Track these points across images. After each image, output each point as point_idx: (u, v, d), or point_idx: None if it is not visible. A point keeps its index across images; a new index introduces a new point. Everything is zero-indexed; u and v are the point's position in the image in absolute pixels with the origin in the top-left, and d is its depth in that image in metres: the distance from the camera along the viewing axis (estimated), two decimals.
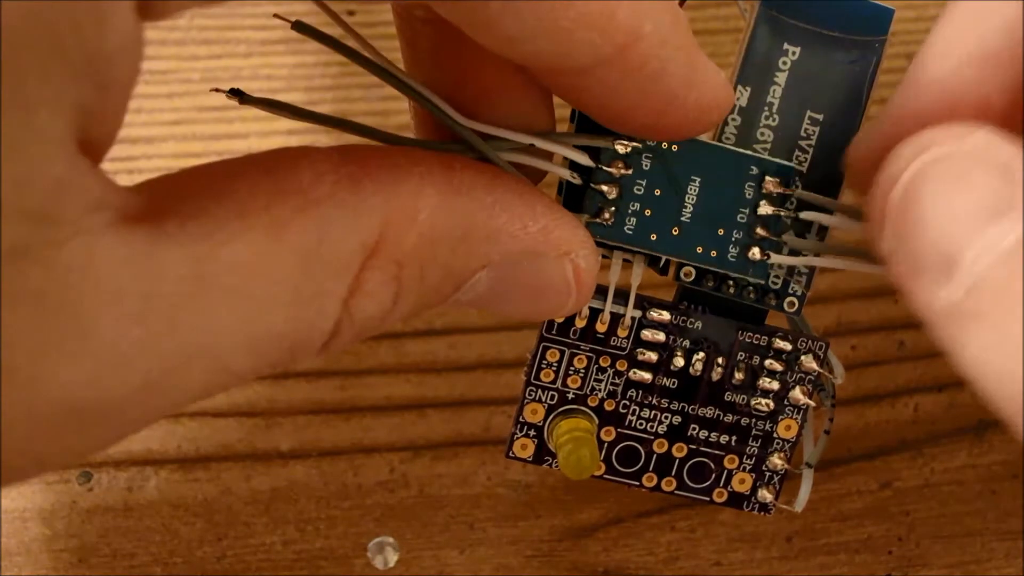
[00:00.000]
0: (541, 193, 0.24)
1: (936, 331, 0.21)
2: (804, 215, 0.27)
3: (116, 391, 0.19)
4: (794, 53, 0.27)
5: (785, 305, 0.29)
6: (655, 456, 0.29)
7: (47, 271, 0.17)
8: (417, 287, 0.22)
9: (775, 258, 0.27)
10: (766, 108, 0.27)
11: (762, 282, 0.28)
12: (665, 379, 0.29)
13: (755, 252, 0.27)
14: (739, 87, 0.27)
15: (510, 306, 0.25)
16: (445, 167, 0.23)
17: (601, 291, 0.28)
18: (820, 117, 0.28)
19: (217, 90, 0.25)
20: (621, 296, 0.28)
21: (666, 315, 0.28)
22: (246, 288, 0.20)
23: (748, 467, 0.30)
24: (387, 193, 0.22)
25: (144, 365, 0.19)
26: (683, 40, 0.22)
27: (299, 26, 0.25)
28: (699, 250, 0.27)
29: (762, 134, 0.28)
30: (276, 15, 0.26)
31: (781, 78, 0.27)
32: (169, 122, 0.41)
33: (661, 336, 0.28)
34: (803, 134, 0.28)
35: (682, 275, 0.28)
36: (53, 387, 0.18)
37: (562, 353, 0.28)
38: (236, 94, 0.24)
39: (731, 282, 0.28)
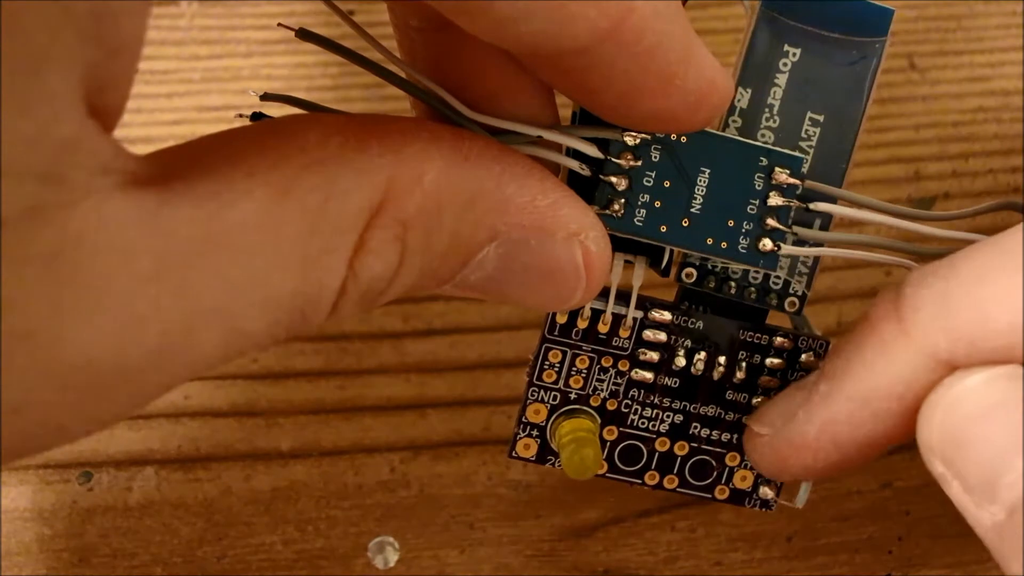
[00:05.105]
0: (551, 173, 0.24)
1: (986, 544, 0.23)
2: (814, 206, 0.27)
3: (134, 353, 0.18)
4: (794, 54, 0.27)
5: (786, 305, 0.29)
6: (657, 455, 0.29)
7: (59, 232, 0.17)
8: (422, 251, 0.22)
9: (786, 249, 0.27)
10: (767, 109, 0.28)
11: (771, 274, 0.28)
12: (667, 378, 0.29)
13: (766, 243, 0.27)
14: (740, 89, 0.27)
15: (518, 290, 0.25)
16: (453, 135, 0.23)
17: (603, 292, 0.28)
18: (821, 118, 0.28)
19: (240, 115, 0.25)
20: (623, 297, 0.28)
21: (667, 315, 0.28)
22: (255, 246, 0.20)
23: (749, 464, 0.30)
24: (393, 154, 0.22)
25: (160, 326, 0.19)
26: (676, 15, 0.22)
27: (303, 33, 0.25)
28: (709, 241, 0.27)
29: (763, 135, 0.28)
30: (281, 24, 0.26)
31: (781, 79, 0.27)
32: (169, 122, 0.41)
33: (663, 336, 0.28)
34: (804, 135, 0.28)
35: (683, 276, 0.28)
36: (71, 350, 0.18)
37: (564, 354, 0.28)
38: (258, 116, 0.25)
39: (732, 282, 0.28)
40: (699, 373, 0.29)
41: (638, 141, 0.26)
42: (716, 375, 0.29)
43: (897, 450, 0.38)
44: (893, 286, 0.25)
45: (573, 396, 0.29)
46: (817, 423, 0.26)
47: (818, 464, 0.26)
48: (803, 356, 0.29)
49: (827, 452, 0.26)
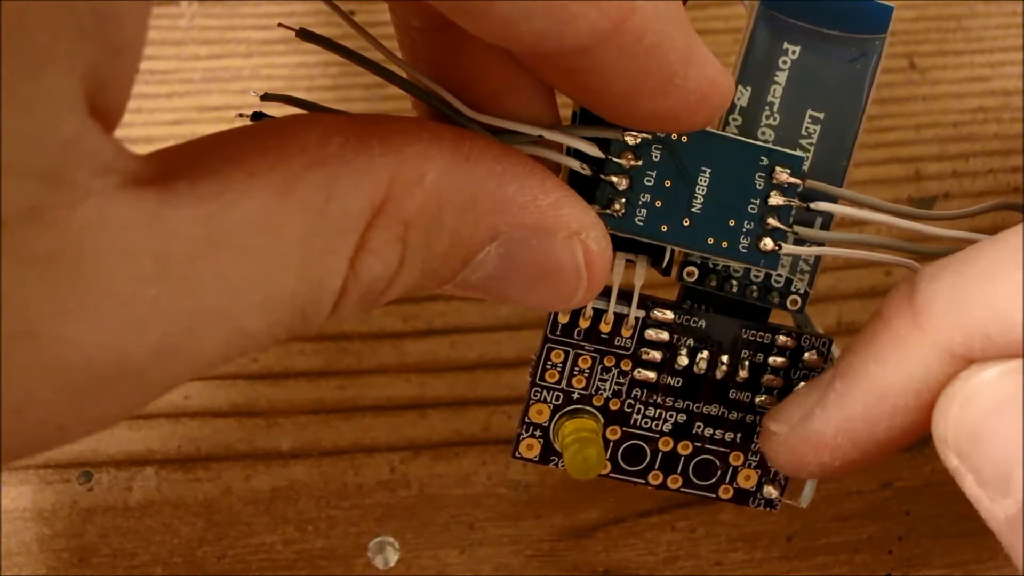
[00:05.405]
0: (551, 173, 0.24)
1: (999, 538, 0.23)
2: (815, 205, 0.27)
3: (135, 353, 0.18)
4: (794, 52, 0.27)
5: (788, 303, 0.29)
6: (660, 454, 0.29)
7: (61, 232, 0.17)
8: (423, 251, 0.22)
9: (787, 248, 0.27)
10: (767, 107, 0.28)
11: (773, 272, 0.28)
12: (669, 378, 0.29)
13: (767, 242, 0.27)
14: (740, 87, 0.27)
15: (519, 290, 0.25)
16: (454, 135, 0.23)
17: (605, 291, 0.28)
18: (821, 116, 0.28)
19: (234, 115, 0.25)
20: (625, 297, 0.28)
21: (670, 314, 0.28)
22: (257, 247, 0.20)
23: (753, 464, 0.30)
24: (394, 155, 0.22)
25: (161, 326, 0.19)
26: (677, 16, 0.22)
27: (304, 34, 0.25)
28: (710, 241, 0.27)
29: (763, 133, 0.28)
30: (281, 24, 0.26)
31: (781, 77, 0.27)
32: (169, 122, 0.41)
33: (665, 335, 0.28)
34: (804, 133, 0.28)
35: (685, 275, 0.28)
36: (72, 350, 0.18)
37: (567, 354, 0.28)
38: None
39: (734, 281, 0.28)
40: (702, 372, 0.29)
41: (639, 141, 0.26)
42: (719, 374, 0.29)
43: None
44: (906, 282, 0.25)
45: (576, 396, 0.29)
46: (834, 421, 0.26)
47: (835, 462, 0.26)
48: (806, 355, 0.29)
49: (845, 450, 0.26)
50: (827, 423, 0.26)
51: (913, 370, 0.24)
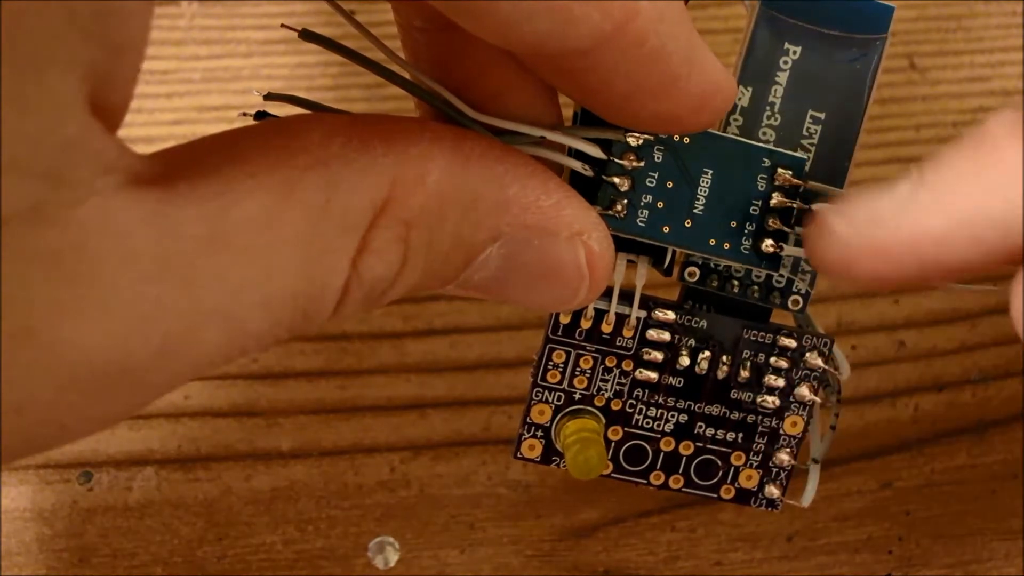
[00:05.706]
0: (553, 174, 0.24)
1: None
2: (816, 207, 0.27)
3: (136, 353, 0.18)
4: (795, 52, 0.27)
5: (789, 303, 0.29)
6: (662, 454, 0.29)
7: (63, 232, 0.17)
8: (425, 251, 0.22)
9: (788, 250, 0.27)
10: (768, 108, 0.28)
11: (774, 273, 0.28)
12: (671, 378, 0.29)
13: (768, 243, 0.27)
14: (740, 87, 0.27)
15: (521, 290, 0.24)
16: (456, 135, 0.23)
17: (606, 292, 0.27)
18: (822, 116, 0.28)
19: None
20: (626, 297, 0.28)
21: (671, 315, 0.28)
22: (258, 246, 0.20)
23: (755, 464, 0.30)
24: (396, 155, 0.22)
25: (162, 326, 0.19)
26: (680, 17, 0.22)
27: (306, 34, 0.25)
28: (712, 242, 0.27)
29: (764, 134, 0.28)
30: (284, 25, 0.26)
31: (782, 78, 0.27)
32: (169, 122, 0.41)
33: (666, 336, 0.28)
34: (805, 133, 0.28)
35: (686, 275, 0.28)
36: (74, 350, 0.18)
37: (568, 354, 0.28)
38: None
39: (735, 281, 0.28)
40: (703, 372, 0.29)
41: (641, 142, 0.26)
42: (720, 374, 0.29)
43: (897, 450, 0.39)
44: (1014, 107, 0.23)
45: (577, 396, 0.29)
46: (907, 233, 0.23)
47: (888, 274, 0.24)
48: (807, 355, 0.29)
49: (904, 266, 0.24)
50: (898, 233, 0.24)
51: (1012, 202, 0.22)
